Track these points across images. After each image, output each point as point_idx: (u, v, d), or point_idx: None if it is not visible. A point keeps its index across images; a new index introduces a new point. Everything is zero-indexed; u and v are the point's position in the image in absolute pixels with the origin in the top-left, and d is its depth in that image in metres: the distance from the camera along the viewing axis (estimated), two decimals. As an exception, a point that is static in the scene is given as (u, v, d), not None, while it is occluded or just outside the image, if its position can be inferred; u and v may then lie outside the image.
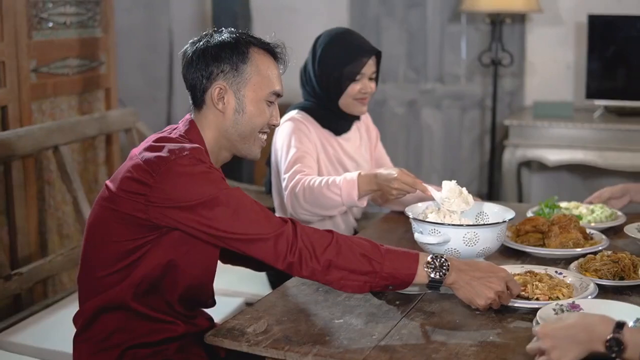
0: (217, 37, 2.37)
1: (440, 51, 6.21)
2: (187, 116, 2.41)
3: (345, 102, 3.24)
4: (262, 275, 3.54)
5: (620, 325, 1.76)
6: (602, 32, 5.51)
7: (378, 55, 3.27)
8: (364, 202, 2.96)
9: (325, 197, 2.92)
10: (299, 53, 2.88)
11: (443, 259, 2.20)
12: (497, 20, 5.74)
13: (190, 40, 2.41)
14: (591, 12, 5.55)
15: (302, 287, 2.44)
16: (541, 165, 5.73)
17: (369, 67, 3.22)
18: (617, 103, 5.56)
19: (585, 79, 5.54)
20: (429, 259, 2.20)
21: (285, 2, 6.34)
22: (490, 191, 5.92)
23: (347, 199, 2.91)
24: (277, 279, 3.28)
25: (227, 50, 2.34)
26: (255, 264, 2.63)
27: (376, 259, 2.18)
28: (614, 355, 1.75)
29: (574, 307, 2.11)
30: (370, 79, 3.25)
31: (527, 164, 5.92)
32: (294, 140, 3.13)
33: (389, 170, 2.88)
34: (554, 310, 2.09)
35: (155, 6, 6.27)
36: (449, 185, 2.69)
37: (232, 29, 2.41)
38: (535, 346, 1.82)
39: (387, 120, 6.31)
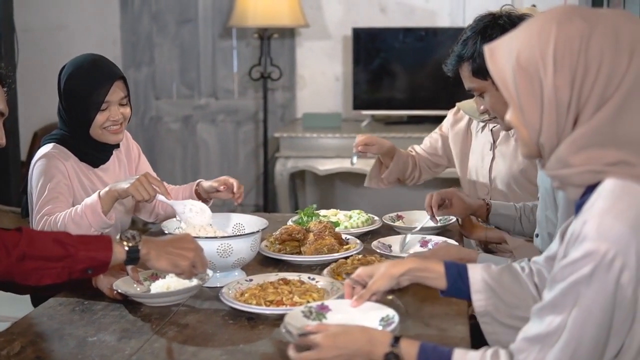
0: None
1: (212, 66, 6.28)
2: None
3: (96, 132, 3.10)
4: (27, 298, 3.47)
5: (397, 339, 1.86)
6: (367, 44, 5.74)
7: (125, 78, 3.15)
8: (112, 219, 2.89)
9: (72, 228, 2.82)
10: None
11: (131, 232, 2.28)
12: (265, 36, 5.86)
13: None
14: (356, 26, 5.75)
15: (58, 308, 2.43)
16: (315, 175, 5.88)
17: (115, 94, 3.08)
18: (383, 112, 5.79)
19: (352, 91, 5.74)
20: (119, 235, 2.27)
21: (53, 21, 6.23)
22: (265, 202, 6.02)
23: (94, 220, 2.83)
24: (40, 301, 3.21)
25: None
26: (17, 287, 2.59)
27: (71, 243, 2.19)
28: None
29: (322, 308, 2.18)
30: (121, 104, 3.11)
31: (300, 174, 6.05)
32: (47, 181, 3.00)
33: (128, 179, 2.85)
34: (303, 312, 2.15)
35: None
36: (196, 205, 2.75)
37: None
38: (314, 356, 1.87)
39: (162, 137, 6.32)
